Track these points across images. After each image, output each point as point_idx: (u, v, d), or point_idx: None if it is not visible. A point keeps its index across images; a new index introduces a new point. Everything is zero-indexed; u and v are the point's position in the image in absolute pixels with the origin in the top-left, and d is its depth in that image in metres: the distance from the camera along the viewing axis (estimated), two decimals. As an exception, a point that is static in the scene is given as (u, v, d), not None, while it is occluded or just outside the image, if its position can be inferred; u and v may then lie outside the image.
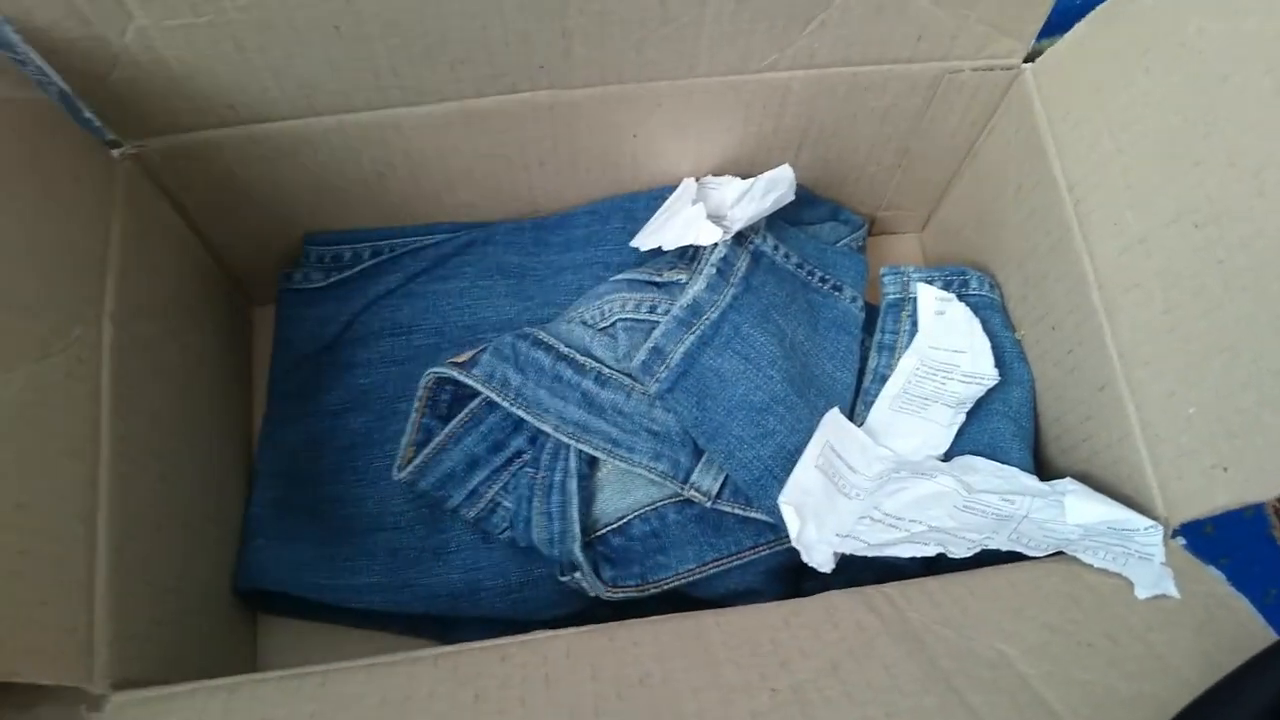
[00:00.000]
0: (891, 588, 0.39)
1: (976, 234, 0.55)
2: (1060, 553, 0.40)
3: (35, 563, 0.33)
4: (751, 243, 0.50)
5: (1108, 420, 0.44)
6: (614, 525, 0.47)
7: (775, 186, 0.50)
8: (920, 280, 0.53)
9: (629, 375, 0.48)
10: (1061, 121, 0.46)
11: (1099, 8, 0.43)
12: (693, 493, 0.46)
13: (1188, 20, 0.38)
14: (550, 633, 0.37)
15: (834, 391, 0.50)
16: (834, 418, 0.48)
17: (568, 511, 0.46)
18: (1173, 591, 0.37)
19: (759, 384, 0.47)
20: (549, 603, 0.49)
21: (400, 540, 0.50)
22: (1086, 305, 0.44)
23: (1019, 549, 0.40)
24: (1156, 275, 0.40)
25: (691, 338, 0.47)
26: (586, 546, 0.46)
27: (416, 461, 0.47)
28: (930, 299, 0.52)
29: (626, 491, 0.48)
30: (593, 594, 0.46)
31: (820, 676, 0.33)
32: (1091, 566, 0.38)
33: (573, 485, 0.46)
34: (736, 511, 0.47)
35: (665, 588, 0.46)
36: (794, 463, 0.46)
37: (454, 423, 0.48)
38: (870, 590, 0.39)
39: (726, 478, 0.47)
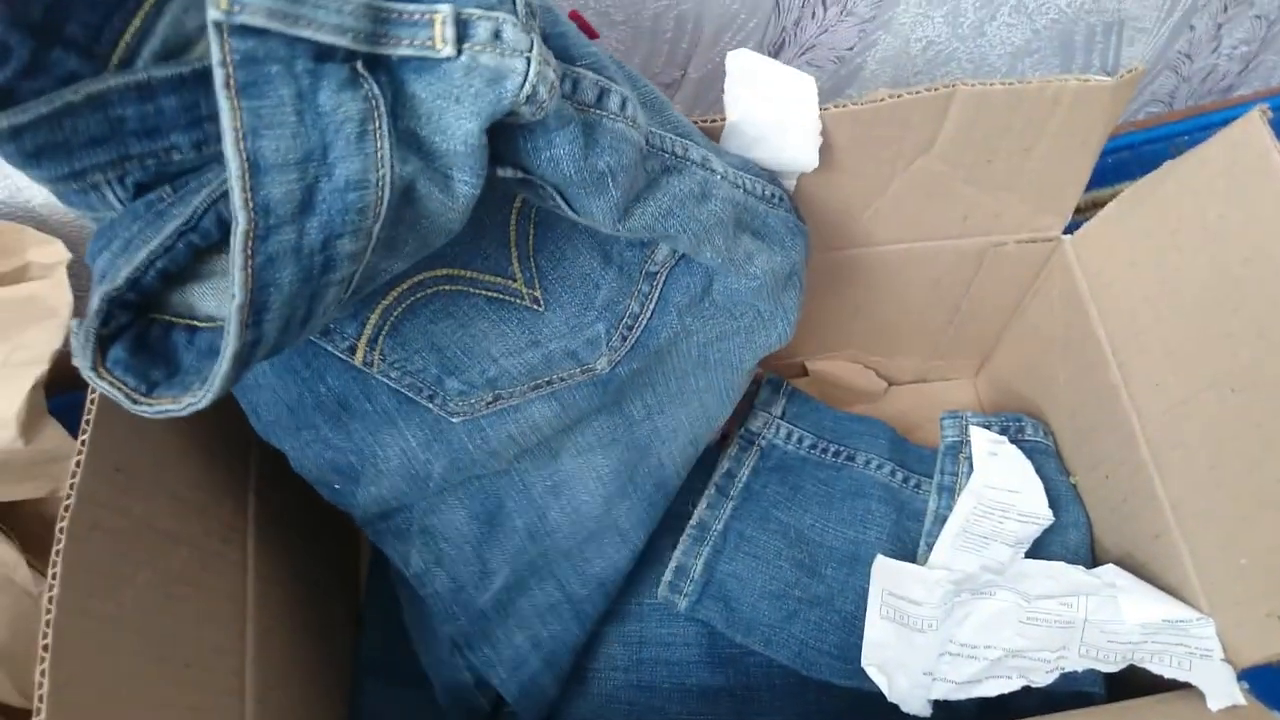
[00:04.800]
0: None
1: (1027, 385, 0.59)
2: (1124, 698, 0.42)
3: (203, 718, 0.37)
4: (762, 438, 0.57)
5: (1163, 567, 0.46)
6: (192, 322, 0.30)
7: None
8: (977, 425, 0.56)
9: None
10: (1103, 290, 0.50)
11: (1127, 191, 0.48)
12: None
13: (1208, 207, 0.43)
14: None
15: (859, 555, 0.53)
16: (882, 564, 0.51)
17: (135, 247, 0.28)
18: (1239, 699, 0.39)
19: (773, 575, 0.52)
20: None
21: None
22: (1136, 458, 0.47)
23: (1092, 664, 0.43)
24: (1200, 435, 0.44)
25: (707, 549, 0.53)
26: (124, 306, 0.28)
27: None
28: (984, 441, 0.55)
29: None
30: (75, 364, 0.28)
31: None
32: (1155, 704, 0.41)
33: (189, 216, 0.28)
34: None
35: (183, 412, 0.27)
36: (820, 629, 0.51)
37: None
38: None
39: None
